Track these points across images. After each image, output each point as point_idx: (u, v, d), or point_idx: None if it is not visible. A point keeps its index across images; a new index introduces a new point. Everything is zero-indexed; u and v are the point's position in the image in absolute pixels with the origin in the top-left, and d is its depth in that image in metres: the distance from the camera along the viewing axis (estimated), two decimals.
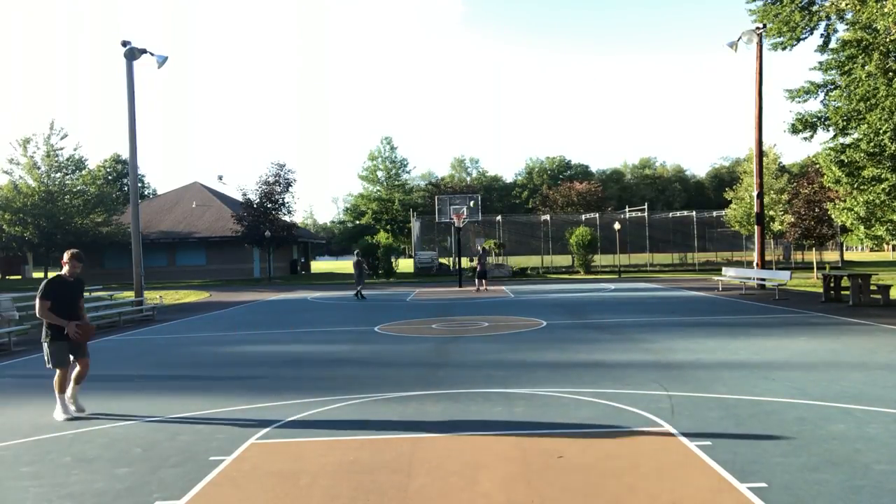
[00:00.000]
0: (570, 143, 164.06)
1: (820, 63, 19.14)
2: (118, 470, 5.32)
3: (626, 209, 47.95)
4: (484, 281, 26.57)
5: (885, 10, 15.40)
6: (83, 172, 43.10)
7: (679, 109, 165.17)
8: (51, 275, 9.03)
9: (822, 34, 20.16)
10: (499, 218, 45.33)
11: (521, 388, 7.87)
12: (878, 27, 15.89)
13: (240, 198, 40.47)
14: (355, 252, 26.73)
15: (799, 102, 19.71)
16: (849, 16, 18.29)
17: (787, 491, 4.46)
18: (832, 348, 10.36)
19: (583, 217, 44.23)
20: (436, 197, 36.17)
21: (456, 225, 30.66)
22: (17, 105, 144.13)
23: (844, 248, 44.66)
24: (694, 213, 44.08)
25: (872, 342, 10.84)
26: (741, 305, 17.85)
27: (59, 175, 40.62)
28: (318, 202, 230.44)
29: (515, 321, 15.25)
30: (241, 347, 12.53)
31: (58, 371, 7.08)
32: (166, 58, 20.57)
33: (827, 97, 19.16)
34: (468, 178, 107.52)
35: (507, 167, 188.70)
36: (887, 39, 15.87)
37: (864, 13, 16.41)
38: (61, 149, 40.61)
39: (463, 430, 6.15)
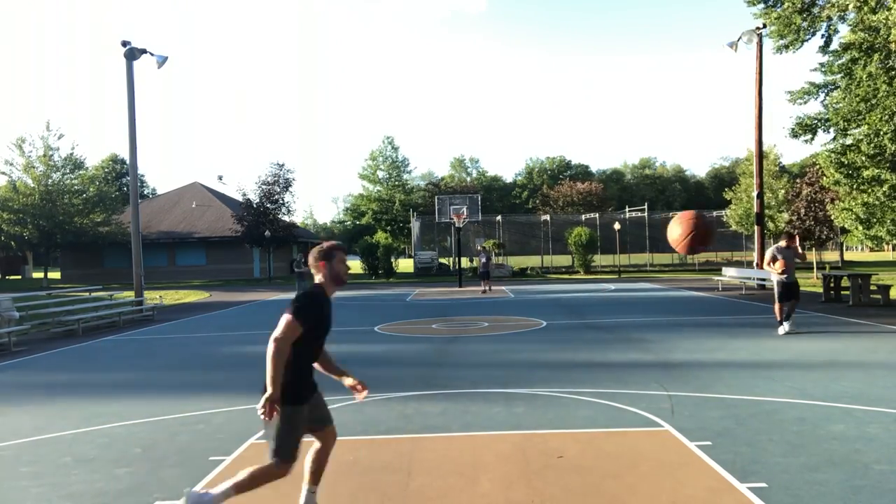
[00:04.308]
0: (570, 143, 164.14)
1: (821, 64, 19.15)
2: (118, 470, 5.32)
3: (626, 209, 47.95)
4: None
5: (888, 12, 15.40)
6: (82, 172, 43.09)
7: (679, 109, 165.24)
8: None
9: (822, 34, 20.17)
10: (499, 218, 45.34)
11: (521, 388, 7.86)
12: (884, 29, 15.85)
13: (240, 198, 40.50)
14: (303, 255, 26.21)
15: (800, 104, 19.73)
16: (851, 16, 18.29)
17: (787, 491, 4.46)
18: (832, 348, 10.36)
19: (583, 217, 44.24)
20: (436, 197, 36.17)
21: (456, 225, 30.66)
22: (16, 105, 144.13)
23: (844, 249, 44.68)
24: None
25: (872, 342, 10.84)
26: (741, 305, 17.85)
27: (57, 175, 40.60)
28: (318, 202, 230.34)
29: (515, 321, 15.25)
30: (242, 347, 12.53)
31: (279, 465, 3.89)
32: (166, 58, 20.58)
33: (828, 97, 19.18)
34: (468, 178, 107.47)
35: (507, 167, 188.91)
36: (889, 40, 15.86)
37: (866, 14, 16.40)
38: (57, 149, 40.61)
39: (463, 430, 6.15)
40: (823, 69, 19.12)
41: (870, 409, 6.52)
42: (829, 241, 33.20)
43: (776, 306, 12.26)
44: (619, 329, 13.32)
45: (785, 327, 11.86)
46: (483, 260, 26.97)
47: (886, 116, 16.27)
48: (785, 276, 11.90)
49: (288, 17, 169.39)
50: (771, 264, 12.12)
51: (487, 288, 25.86)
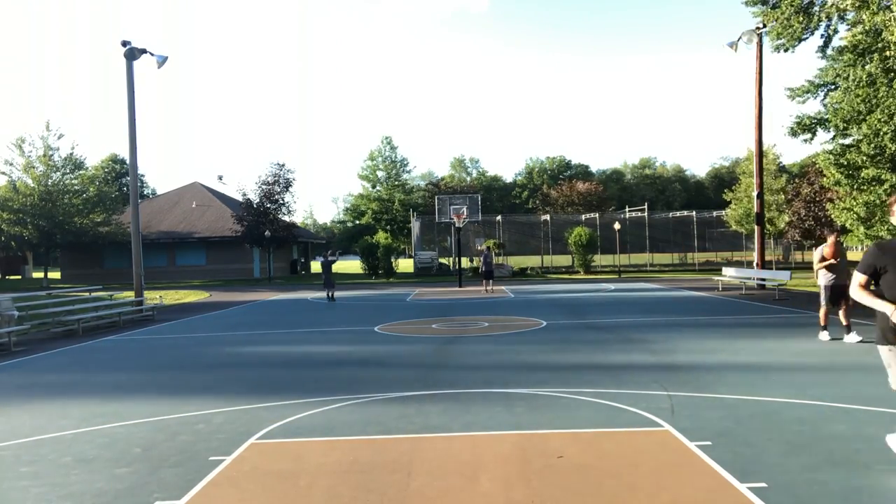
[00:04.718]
0: (570, 143, 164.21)
1: (820, 69, 19.21)
2: (118, 470, 5.32)
3: (626, 209, 47.97)
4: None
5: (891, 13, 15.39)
6: (82, 172, 43.10)
7: (679, 109, 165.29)
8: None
9: (822, 35, 20.17)
10: (499, 218, 45.33)
11: (521, 388, 7.86)
12: (886, 32, 15.81)
13: (240, 198, 40.50)
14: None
15: (800, 102, 19.75)
16: (850, 16, 18.29)
17: (787, 491, 4.46)
18: (832, 348, 10.36)
19: (583, 217, 44.26)
20: (436, 197, 36.16)
21: (456, 225, 30.67)
22: (15, 105, 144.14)
23: (845, 249, 44.72)
24: (694, 213, 44.10)
25: (872, 342, 10.82)
26: (741, 305, 17.85)
27: (57, 175, 40.60)
28: (318, 202, 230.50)
29: (515, 321, 15.25)
30: (241, 347, 12.53)
31: None
32: (166, 58, 20.57)
33: (827, 97, 19.19)
34: (468, 178, 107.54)
35: (507, 167, 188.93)
36: (889, 41, 15.85)
37: (865, 15, 16.39)
38: (57, 149, 40.61)
39: (463, 430, 6.15)
40: (822, 72, 19.17)
41: (870, 409, 6.52)
42: None
43: (822, 310, 11.35)
44: (619, 329, 13.31)
45: (853, 337, 10.79)
46: (484, 259, 27.17)
47: (885, 117, 16.27)
48: (834, 278, 11.08)
49: (288, 17, 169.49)
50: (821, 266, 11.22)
51: (489, 288, 25.93)
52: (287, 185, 40.29)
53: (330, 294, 23.51)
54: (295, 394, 7.86)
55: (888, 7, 15.71)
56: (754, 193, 25.09)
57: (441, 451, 5.57)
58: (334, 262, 24.49)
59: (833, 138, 18.90)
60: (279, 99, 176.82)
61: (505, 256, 42.90)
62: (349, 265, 60.66)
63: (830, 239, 11.21)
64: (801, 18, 19.40)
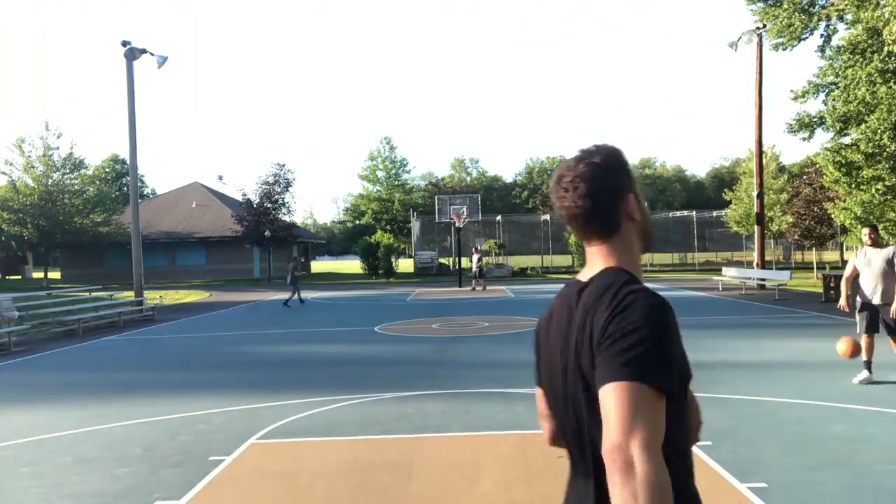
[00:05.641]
0: (570, 144, 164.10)
1: (819, 68, 19.21)
2: (118, 470, 5.32)
3: None
4: None
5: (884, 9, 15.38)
6: (82, 172, 43.11)
7: (679, 109, 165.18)
8: None
9: (822, 34, 20.18)
10: (499, 218, 45.31)
11: (521, 388, 7.86)
12: (886, 31, 15.78)
13: (240, 198, 40.51)
14: None
15: (801, 103, 19.74)
16: (849, 17, 18.29)
17: (787, 491, 4.45)
18: (832, 348, 10.32)
19: None
20: (436, 197, 36.17)
21: (456, 225, 30.67)
22: (15, 105, 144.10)
23: (844, 248, 44.67)
24: (694, 213, 44.07)
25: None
26: (741, 305, 17.84)
27: (57, 175, 40.61)
28: (318, 202, 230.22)
29: (515, 321, 15.25)
30: (241, 347, 12.53)
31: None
32: (166, 58, 20.58)
33: (827, 98, 19.18)
34: (468, 178, 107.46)
35: (507, 167, 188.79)
36: (888, 40, 15.84)
37: (864, 13, 16.39)
38: (57, 148, 40.62)
39: (463, 430, 6.15)
40: (822, 70, 19.16)
41: (870, 409, 6.52)
42: (830, 241, 33.20)
43: (864, 339, 7.60)
44: None
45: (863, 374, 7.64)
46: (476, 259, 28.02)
47: (884, 116, 16.24)
48: (869, 294, 7.59)
49: (288, 17, 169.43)
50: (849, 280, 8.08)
51: (479, 286, 26.39)
52: (287, 185, 40.30)
53: (287, 299, 21.20)
54: (295, 394, 7.86)
55: (884, 5, 15.71)
56: (754, 193, 25.09)
57: (441, 451, 5.57)
58: (295, 265, 21.71)
59: (832, 137, 18.90)
60: (279, 99, 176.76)
61: (505, 256, 42.89)
62: (349, 265, 60.67)
63: (867, 237, 7.78)
64: (801, 17, 19.40)
